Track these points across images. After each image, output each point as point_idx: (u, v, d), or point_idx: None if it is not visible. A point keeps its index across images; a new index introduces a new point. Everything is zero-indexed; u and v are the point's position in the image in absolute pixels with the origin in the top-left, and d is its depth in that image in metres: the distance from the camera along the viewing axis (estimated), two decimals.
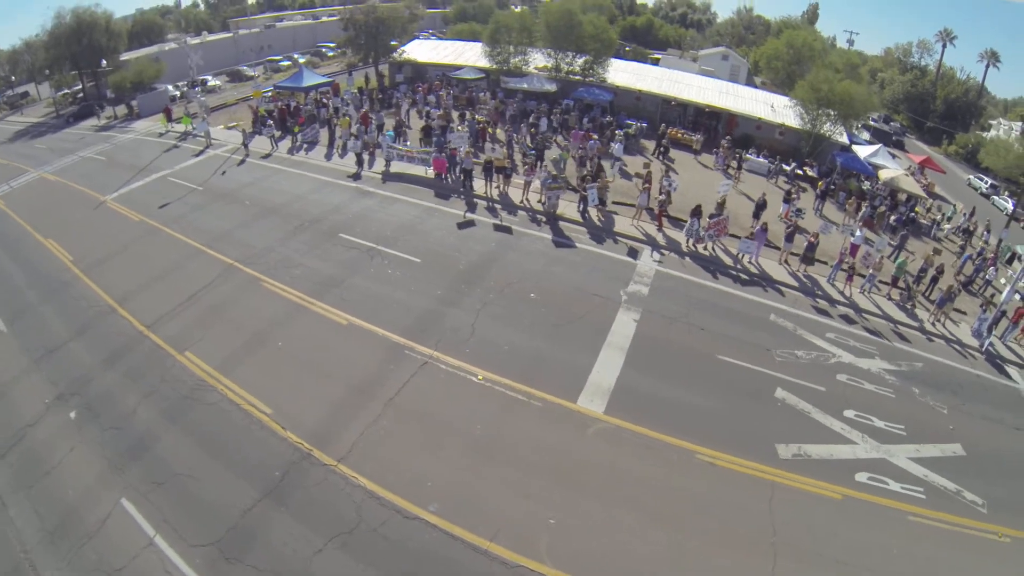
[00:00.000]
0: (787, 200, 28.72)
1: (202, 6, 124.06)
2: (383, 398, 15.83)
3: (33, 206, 31.93)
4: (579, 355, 17.40)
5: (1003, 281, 26.15)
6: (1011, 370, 20.44)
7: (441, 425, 15.11)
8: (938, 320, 22.12)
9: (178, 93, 58.99)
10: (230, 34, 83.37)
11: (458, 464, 14.04)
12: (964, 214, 34.62)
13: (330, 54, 79.24)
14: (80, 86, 65.28)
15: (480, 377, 16.50)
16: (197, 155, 37.09)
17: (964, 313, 22.87)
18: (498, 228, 25.22)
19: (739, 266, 23.48)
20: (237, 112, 47.91)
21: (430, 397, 15.98)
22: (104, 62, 61.26)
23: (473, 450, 14.38)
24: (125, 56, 65.69)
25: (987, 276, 26.28)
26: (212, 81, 65.24)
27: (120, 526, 13.20)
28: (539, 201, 27.19)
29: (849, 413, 16.39)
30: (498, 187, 28.16)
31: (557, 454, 14.28)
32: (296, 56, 77.67)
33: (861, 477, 14.41)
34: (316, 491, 13.39)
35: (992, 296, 24.89)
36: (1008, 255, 30.12)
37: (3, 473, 15.16)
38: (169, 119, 44.87)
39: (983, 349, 21.03)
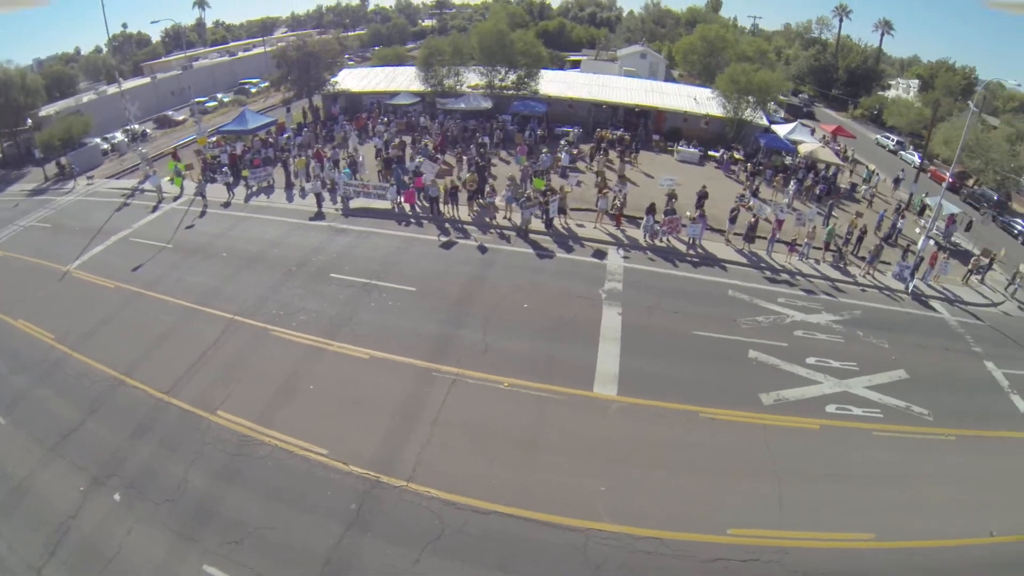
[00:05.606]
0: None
1: (104, 50, 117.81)
2: (428, 419, 16.80)
3: None
4: (582, 351, 19.42)
5: (917, 231, 30.01)
6: (935, 304, 24.31)
7: (486, 431, 16.46)
8: (868, 273, 25.64)
9: (108, 147, 55.74)
10: (147, 79, 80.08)
11: (512, 460, 15.47)
12: (878, 175, 38.64)
13: (253, 91, 77.02)
14: None
15: (506, 384, 17.94)
16: (153, 211, 35.00)
17: (888, 263, 26.27)
18: (475, 248, 26.52)
19: (692, 251, 26.22)
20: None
21: (469, 409, 17.22)
22: (29, 121, 58.18)
23: (520, 446, 15.91)
24: (44, 111, 61.64)
25: (899, 225, 29.77)
26: (146, 130, 62.40)
27: None
28: (505, 217, 28.62)
29: (811, 360, 19.51)
30: (468, 209, 29.52)
31: (590, 435, 16.25)
32: (220, 96, 75.98)
33: (830, 408, 17.55)
34: (395, 511, 14.15)
35: (908, 245, 28.42)
36: (920, 207, 34.18)
37: (59, 573, 13.99)
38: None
39: (909, 291, 24.66)
